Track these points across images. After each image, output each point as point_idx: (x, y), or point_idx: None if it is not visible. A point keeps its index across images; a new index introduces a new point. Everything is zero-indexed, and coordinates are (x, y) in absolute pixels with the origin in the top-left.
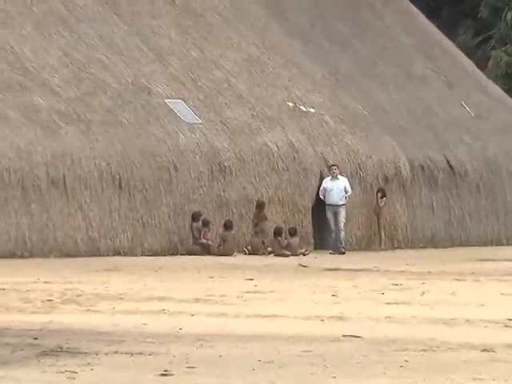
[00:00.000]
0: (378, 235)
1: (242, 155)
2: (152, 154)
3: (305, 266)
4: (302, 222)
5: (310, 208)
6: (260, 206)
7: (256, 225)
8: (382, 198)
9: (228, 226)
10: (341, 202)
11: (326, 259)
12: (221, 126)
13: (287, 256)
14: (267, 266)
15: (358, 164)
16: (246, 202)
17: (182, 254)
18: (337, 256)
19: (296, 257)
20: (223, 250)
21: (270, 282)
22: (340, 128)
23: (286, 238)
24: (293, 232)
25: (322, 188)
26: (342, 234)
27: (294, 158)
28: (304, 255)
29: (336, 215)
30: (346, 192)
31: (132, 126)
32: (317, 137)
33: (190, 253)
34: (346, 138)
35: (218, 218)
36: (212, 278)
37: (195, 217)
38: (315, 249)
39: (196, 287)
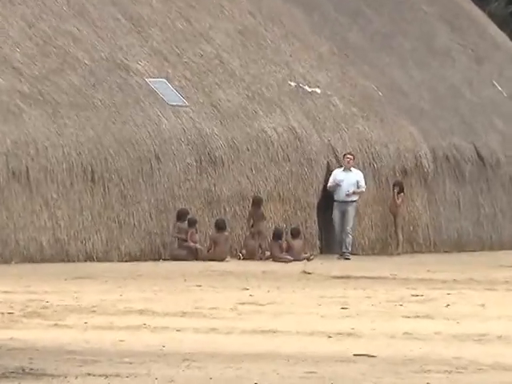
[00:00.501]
0: (394, 237)
1: (235, 143)
2: (130, 142)
3: (309, 273)
4: (305, 222)
5: (316, 205)
6: (257, 202)
7: (252, 225)
8: (399, 193)
9: (220, 226)
10: (350, 199)
11: (334, 265)
12: (211, 109)
13: (288, 261)
14: (265, 273)
15: (372, 154)
16: (241, 198)
17: (165, 260)
18: (346, 261)
19: (299, 262)
20: (214, 255)
21: (268, 291)
22: (350, 112)
23: (287, 241)
24: (295, 233)
25: (331, 179)
26: (349, 238)
27: (297, 146)
28: (308, 260)
29: (343, 214)
30: (358, 188)
31: (107, 109)
32: (323, 122)
33: (174, 258)
34: (358, 123)
35: (207, 217)
36: (200, 287)
37: (181, 215)
38: (321, 253)
39: (182, 298)
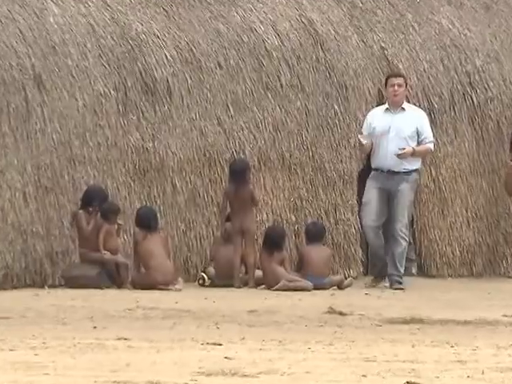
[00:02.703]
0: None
1: (192, 47)
2: None
3: (343, 314)
4: (334, 212)
5: (356, 178)
6: (238, 172)
7: (228, 218)
8: None
9: (147, 220)
10: (403, 167)
11: (388, 297)
12: None
13: (301, 288)
14: (255, 315)
15: (461, 63)
16: (205, 162)
17: (53, 287)
18: (405, 292)
19: (322, 290)
20: (147, 276)
21: (260, 350)
22: None
23: (298, 249)
24: (315, 234)
25: (364, 128)
26: (402, 246)
27: (314, 50)
28: (341, 288)
29: (389, 197)
30: (419, 143)
31: None
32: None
33: (73, 282)
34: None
35: (138, 197)
36: (127, 341)
37: (88, 199)
38: (366, 273)
39: (90, 364)
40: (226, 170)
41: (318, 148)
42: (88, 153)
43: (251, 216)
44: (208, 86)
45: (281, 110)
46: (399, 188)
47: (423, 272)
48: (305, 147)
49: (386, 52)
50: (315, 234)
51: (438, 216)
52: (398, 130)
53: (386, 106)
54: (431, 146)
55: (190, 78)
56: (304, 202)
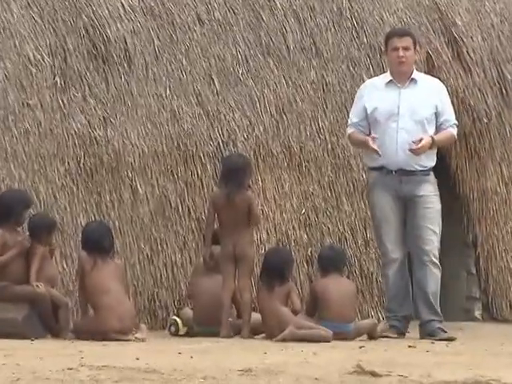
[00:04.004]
0: None
1: None
2: None
3: (376, 375)
4: (365, 226)
5: None
6: (233, 171)
7: (214, 236)
8: None
9: (100, 238)
10: (421, 164)
11: (441, 350)
12: None
13: (318, 339)
14: (250, 377)
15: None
16: (178, 156)
17: None
18: (471, 339)
19: (348, 341)
20: (95, 320)
21: None
22: None
23: (310, 282)
24: (334, 261)
25: (357, 109)
26: (437, 278)
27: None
28: (373, 337)
29: (408, 207)
30: (438, 125)
31: None
32: None
33: None
34: None
35: (83, 208)
36: None
37: (5, 207)
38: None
39: None
40: (210, 169)
41: (339, 138)
42: (11, 144)
43: (248, 236)
44: (183, 50)
45: (287, 83)
46: (421, 193)
47: (490, 315)
48: (321, 137)
49: (437, 0)
50: (333, 262)
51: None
52: (412, 110)
53: (389, 76)
54: (454, 131)
55: (158, 38)
56: (320, 216)
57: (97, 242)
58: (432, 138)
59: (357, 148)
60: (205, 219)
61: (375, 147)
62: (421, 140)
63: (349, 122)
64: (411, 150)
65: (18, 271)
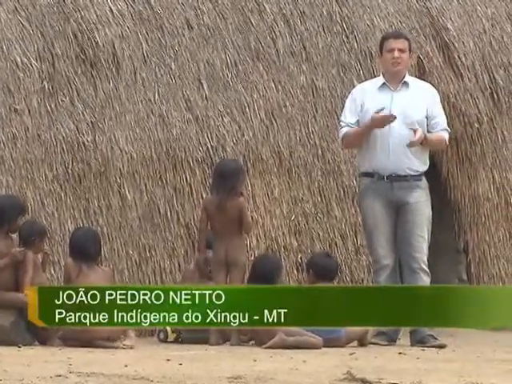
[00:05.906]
0: None
1: None
2: None
3: (367, 383)
4: (356, 233)
5: None
6: (226, 176)
7: (203, 248)
8: None
9: (87, 244)
10: (413, 169)
11: (431, 357)
12: None
13: (308, 346)
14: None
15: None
16: (167, 161)
17: None
18: (463, 345)
19: (338, 348)
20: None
21: None
22: None
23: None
24: (325, 269)
25: (349, 111)
26: (425, 280)
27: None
28: (364, 344)
29: (399, 213)
30: (429, 128)
31: None
32: None
33: None
34: None
35: (71, 214)
36: None
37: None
38: None
39: None
40: (199, 174)
41: (329, 143)
42: None
43: (240, 242)
44: (172, 55)
45: (277, 88)
46: (412, 200)
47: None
48: (311, 142)
49: (428, 4)
50: (324, 270)
51: (505, 242)
52: (404, 113)
53: (382, 80)
54: (446, 135)
55: (146, 43)
56: (310, 221)
57: (82, 249)
58: (425, 135)
59: (353, 147)
60: (198, 226)
61: (387, 112)
62: (415, 131)
63: (342, 123)
64: (411, 143)
65: (6, 279)
